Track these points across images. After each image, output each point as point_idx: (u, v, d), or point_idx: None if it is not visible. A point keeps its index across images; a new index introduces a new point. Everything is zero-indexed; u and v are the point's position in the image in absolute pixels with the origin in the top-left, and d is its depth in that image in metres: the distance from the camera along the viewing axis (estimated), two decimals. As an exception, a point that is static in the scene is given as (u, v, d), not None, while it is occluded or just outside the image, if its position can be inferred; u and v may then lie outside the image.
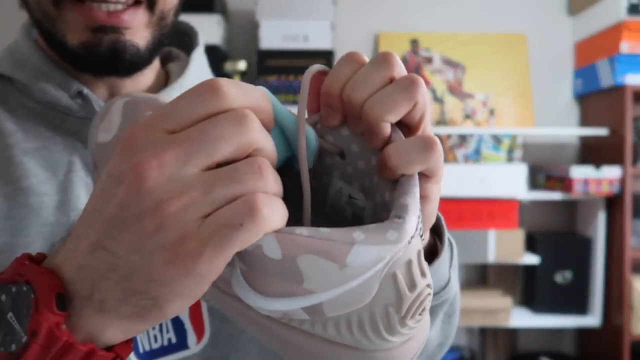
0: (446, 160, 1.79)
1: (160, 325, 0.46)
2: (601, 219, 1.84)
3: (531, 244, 1.92)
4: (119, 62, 0.46)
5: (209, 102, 0.26)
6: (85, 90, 0.48)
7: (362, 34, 2.04)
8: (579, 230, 2.00)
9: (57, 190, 0.46)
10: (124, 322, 0.27)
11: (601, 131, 1.83)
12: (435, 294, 0.43)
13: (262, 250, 0.28)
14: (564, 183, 1.82)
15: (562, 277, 1.89)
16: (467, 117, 1.92)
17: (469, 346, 2.03)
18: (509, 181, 1.78)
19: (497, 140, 1.83)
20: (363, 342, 0.31)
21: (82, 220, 0.28)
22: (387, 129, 0.31)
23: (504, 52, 2.01)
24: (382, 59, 0.31)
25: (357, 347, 0.31)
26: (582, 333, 2.02)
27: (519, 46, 2.02)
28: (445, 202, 1.78)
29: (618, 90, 1.79)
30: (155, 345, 0.46)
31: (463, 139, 1.82)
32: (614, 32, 1.80)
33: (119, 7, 0.44)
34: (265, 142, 0.27)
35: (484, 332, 2.03)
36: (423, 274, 0.31)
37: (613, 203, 1.82)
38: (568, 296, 1.88)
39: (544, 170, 1.96)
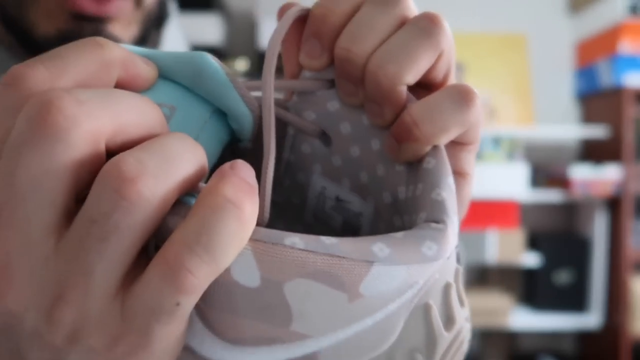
0: (446, 160, 1.79)
1: None
2: (601, 219, 1.84)
3: (531, 244, 1.92)
4: None
5: (5, 107, 0.17)
6: None
7: (362, 34, 2.04)
8: (579, 231, 2.00)
9: None
10: None
11: (601, 131, 1.83)
12: None
13: (230, 274, 0.18)
14: (564, 183, 1.82)
15: (562, 277, 1.89)
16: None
17: (469, 346, 2.03)
18: (509, 181, 1.78)
19: (497, 140, 1.83)
20: None
21: None
22: (403, 93, 0.22)
23: (504, 52, 2.01)
24: None
25: None
26: (582, 333, 2.02)
27: (519, 46, 2.02)
28: (445, 202, 1.77)
29: (618, 90, 1.79)
30: None
31: (463, 139, 1.81)
32: (614, 32, 1.80)
33: None
34: (117, 114, 0.17)
35: (484, 332, 2.03)
36: (462, 303, 0.22)
37: (613, 203, 1.82)
38: (568, 296, 1.88)
39: (544, 170, 1.96)
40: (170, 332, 0.17)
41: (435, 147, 0.22)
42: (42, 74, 0.17)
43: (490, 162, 1.81)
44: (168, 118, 0.20)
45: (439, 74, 0.23)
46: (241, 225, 0.17)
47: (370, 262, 0.18)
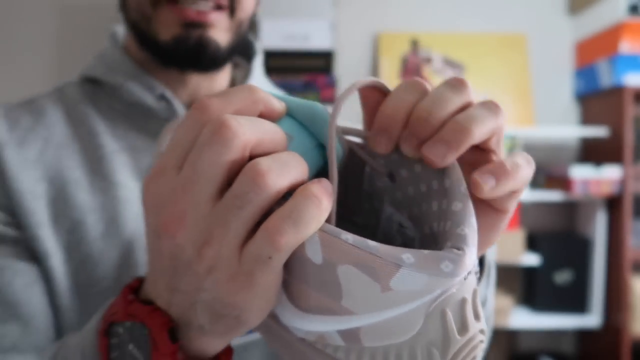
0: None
1: None
2: (601, 219, 1.84)
3: (531, 244, 1.92)
4: (202, 55, 0.52)
5: (196, 122, 0.27)
6: (168, 93, 0.55)
7: (362, 34, 2.04)
8: (579, 231, 2.00)
9: (140, 185, 0.51)
10: (222, 337, 0.30)
11: (601, 131, 1.83)
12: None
13: (305, 250, 0.26)
14: (564, 183, 1.82)
15: (562, 277, 1.89)
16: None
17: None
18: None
19: (497, 140, 1.82)
20: None
21: (150, 267, 0.31)
22: (468, 147, 0.29)
23: (504, 52, 2.01)
24: (458, 83, 0.30)
25: None
26: (582, 333, 2.02)
27: (519, 46, 2.02)
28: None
29: (618, 90, 1.79)
30: None
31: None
32: (614, 32, 1.80)
33: (207, 7, 0.51)
34: (260, 134, 0.27)
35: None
36: (477, 317, 0.27)
37: (613, 203, 1.82)
38: (568, 296, 1.88)
39: (544, 170, 1.96)
40: (266, 279, 0.26)
41: (464, 195, 0.29)
42: (217, 104, 0.28)
43: (490, 162, 1.81)
44: (288, 143, 0.30)
45: (494, 141, 0.31)
46: (319, 212, 0.25)
47: (399, 265, 0.25)
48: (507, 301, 1.83)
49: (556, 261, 1.88)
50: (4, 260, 0.45)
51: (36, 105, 0.54)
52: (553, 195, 1.84)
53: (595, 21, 1.91)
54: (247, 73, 0.62)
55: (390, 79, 1.98)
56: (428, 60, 2.00)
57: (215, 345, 0.31)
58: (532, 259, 1.85)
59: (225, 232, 0.26)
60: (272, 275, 0.27)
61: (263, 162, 0.25)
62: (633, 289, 1.77)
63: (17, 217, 0.47)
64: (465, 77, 2.00)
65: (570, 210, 2.04)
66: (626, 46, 1.76)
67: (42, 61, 2.03)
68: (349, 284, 0.26)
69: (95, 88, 0.57)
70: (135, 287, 0.33)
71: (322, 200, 0.26)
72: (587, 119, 2.02)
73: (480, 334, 0.27)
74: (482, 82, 1.99)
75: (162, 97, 0.55)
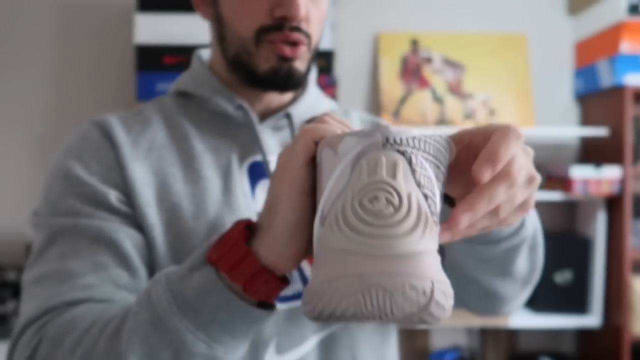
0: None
1: (291, 277, 0.64)
2: (601, 219, 1.84)
3: (531, 244, 1.92)
4: (290, 82, 0.67)
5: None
6: (245, 104, 0.69)
7: (362, 34, 2.04)
8: (579, 230, 2.00)
9: (222, 179, 0.65)
10: (268, 232, 0.46)
11: (601, 131, 1.83)
12: (512, 235, 0.55)
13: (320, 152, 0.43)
14: (564, 183, 1.82)
15: (562, 277, 1.89)
16: (467, 117, 1.92)
17: (469, 346, 2.03)
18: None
19: (497, 140, 1.82)
20: (346, 235, 0.36)
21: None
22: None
23: (504, 52, 2.01)
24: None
25: (350, 249, 0.36)
26: (582, 333, 2.02)
27: (519, 46, 2.02)
28: (445, 202, 1.77)
29: (618, 90, 1.79)
30: (287, 293, 0.63)
31: (463, 139, 1.82)
32: (614, 32, 1.80)
33: (295, 45, 0.65)
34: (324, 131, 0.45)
35: (484, 332, 2.03)
36: (393, 176, 0.37)
37: (613, 203, 1.82)
38: (568, 296, 1.88)
39: (544, 170, 1.96)
40: (290, 173, 0.45)
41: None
42: (329, 122, 0.45)
43: (490, 162, 1.81)
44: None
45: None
46: (324, 126, 0.45)
47: (344, 136, 0.39)
48: (507, 301, 1.82)
49: (556, 261, 1.88)
50: (119, 225, 0.60)
51: (143, 116, 0.69)
52: (553, 195, 1.84)
53: (595, 21, 1.91)
54: (304, 87, 0.76)
55: (390, 79, 1.98)
56: (428, 60, 2.00)
57: (266, 251, 0.45)
58: (532, 259, 1.85)
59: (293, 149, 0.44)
60: (295, 170, 0.43)
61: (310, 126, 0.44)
62: (633, 289, 1.77)
63: (130, 199, 0.62)
64: (465, 77, 2.00)
65: (570, 210, 2.04)
66: (626, 46, 1.76)
67: (42, 61, 2.03)
68: (326, 162, 0.39)
69: (186, 100, 0.72)
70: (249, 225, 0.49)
71: (329, 121, 0.45)
72: (587, 119, 2.02)
73: (411, 194, 0.37)
74: (482, 82, 1.99)
75: (240, 107, 0.68)
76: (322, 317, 0.36)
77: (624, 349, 1.75)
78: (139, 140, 0.66)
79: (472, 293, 0.67)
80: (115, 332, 0.47)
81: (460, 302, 0.72)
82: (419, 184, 0.37)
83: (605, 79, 1.83)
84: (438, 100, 1.97)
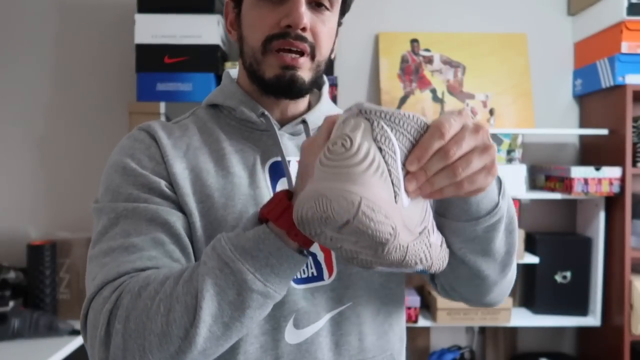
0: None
1: (307, 264, 0.72)
2: (601, 219, 1.84)
3: (531, 244, 1.92)
4: (293, 88, 0.76)
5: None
6: (266, 112, 0.79)
7: (362, 34, 2.04)
8: (579, 230, 2.00)
9: (248, 176, 0.75)
10: None
11: (601, 131, 1.83)
12: (488, 213, 0.65)
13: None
14: (564, 183, 1.82)
15: (562, 277, 1.89)
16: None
17: (469, 346, 2.03)
18: (509, 181, 1.78)
19: (497, 140, 1.83)
20: (318, 168, 0.52)
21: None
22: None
23: (504, 52, 2.01)
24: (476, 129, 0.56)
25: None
26: (582, 333, 2.02)
27: (519, 46, 2.02)
28: (445, 202, 1.78)
29: (618, 90, 1.79)
30: (303, 276, 0.73)
31: (463, 139, 1.82)
32: (614, 32, 1.80)
33: (297, 55, 0.74)
34: None
35: (484, 332, 2.03)
36: (353, 131, 0.51)
37: (613, 203, 1.82)
38: (568, 296, 1.88)
39: (544, 170, 1.96)
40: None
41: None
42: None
43: (490, 162, 1.81)
44: None
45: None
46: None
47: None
48: (507, 301, 1.83)
49: (556, 261, 1.88)
50: (170, 209, 0.71)
51: (180, 124, 0.81)
52: (553, 195, 1.84)
53: (595, 21, 1.91)
54: (318, 98, 0.87)
55: (390, 79, 1.98)
56: (428, 60, 2.00)
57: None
58: (532, 259, 1.85)
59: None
60: (320, 144, 0.56)
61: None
62: (633, 289, 1.77)
63: (174, 188, 0.73)
64: (465, 77, 2.00)
65: (570, 210, 2.04)
66: (626, 46, 1.76)
67: (42, 61, 2.03)
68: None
69: (217, 111, 0.83)
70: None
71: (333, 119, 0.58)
72: (587, 119, 2.02)
73: (369, 147, 0.51)
74: (482, 82, 1.99)
75: (262, 115, 0.78)
76: (298, 221, 0.52)
77: (624, 349, 1.75)
78: (178, 142, 0.77)
79: (460, 275, 0.74)
80: (189, 278, 0.60)
81: (452, 290, 0.80)
82: (375, 139, 0.51)
83: (605, 79, 1.83)
84: (438, 100, 1.97)
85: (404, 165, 0.52)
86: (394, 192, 0.51)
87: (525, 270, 1.97)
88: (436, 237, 0.59)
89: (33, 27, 2.02)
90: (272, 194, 0.75)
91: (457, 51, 2.00)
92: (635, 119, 1.82)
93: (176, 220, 0.70)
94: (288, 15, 0.72)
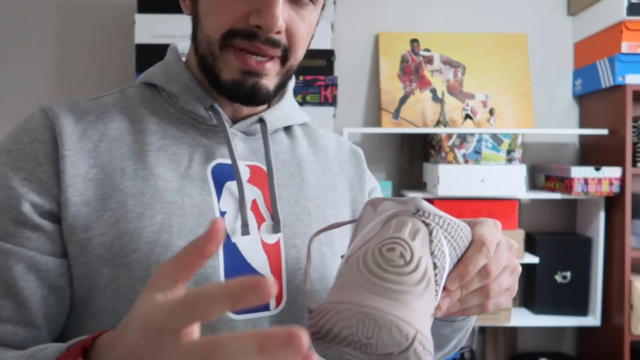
0: (446, 160, 1.79)
1: None
2: (601, 219, 1.84)
3: (531, 244, 1.92)
4: (254, 98, 0.62)
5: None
6: (216, 105, 0.64)
7: (362, 34, 2.04)
8: (579, 230, 2.00)
9: (178, 179, 0.60)
10: None
11: (601, 131, 1.83)
12: (465, 317, 0.60)
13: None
14: (564, 183, 1.82)
15: (562, 277, 1.89)
16: (467, 117, 1.92)
17: (469, 346, 2.03)
18: (509, 181, 1.78)
19: (497, 140, 1.83)
20: (361, 272, 0.42)
21: (128, 346, 0.37)
22: None
23: (504, 52, 2.01)
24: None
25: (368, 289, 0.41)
26: (582, 333, 2.02)
27: (519, 46, 2.02)
28: (445, 201, 1.78)
29: (618, 90, 1.79)
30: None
31: (463, 139, 1.82)
32: (614, 32, 1.80)
33: (265, 59, 0.59)
34: None
35: (484, 332, 2.03)
36: (413, 238, 0.44)
37: (613, 203, 1.82)
38: (568, 296, 1.88)
39: (544, 170, 1.96)
40: None
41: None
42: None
43: (490, 162, 1.81)
44: None
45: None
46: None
47: (385, 198, 0.48)
48: (507, 301, 1.82)
49: (556, 261, 1.88)
50: (17, 247, 0.55)
51: (99, 103, 0.65)
52: (553, 195, 1.84)
53: (595, 21, 1.91)
54: (281, 94, 0.72)
55: (390, 79, 1.98)
56: (428, 60, 2.00)
57: None
58: (531, 259, 1.85)
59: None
60: None
61: None
62: (633, 289, 1.77)
63: (60, 197, 0.57)
64: (465, 77, 2.00)
65: (570, 210, 2.04)
66: (626, 46, 1.76)
67: (42, 61, 2.03)
68: (363, 215, 0.49)
69: (153, 93, 0.67)
70: (87, 346, 0.40)
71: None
72: (587, 119, 2.02)
73: (422, 259, 0.43)
74: (482, 82, 1.99)
75: (211, 108, 0.64)
76: (321, 332, 0.42)
77: (624, 349, 1.75)
78: (88, 131, 0.61)
79: None
80: None
81: None
82: (432, 253, 0.44)
83: (605, 79, 1.83)
84: (438, 100, 1.97)
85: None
86: (433, 311, 0.45)
87: (525, 270, 1.97)
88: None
89: (33, 27, 2.02)
90: (215, 203, 0.61)
91: (457, 51, 2.00)
92: (635, 119, 1.82)
93: (16, 262, 0.55)
94: (260, 13, 0.57)
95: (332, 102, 1.84)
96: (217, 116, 0.64)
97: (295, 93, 1.82)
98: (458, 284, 0.47)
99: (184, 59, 0.70)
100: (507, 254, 0.50)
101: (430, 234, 0.44)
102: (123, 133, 0.62)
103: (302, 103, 1.84)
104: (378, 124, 2.01)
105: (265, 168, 0.65)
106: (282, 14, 0.58)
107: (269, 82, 0.61)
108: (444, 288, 0.46)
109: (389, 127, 1.93)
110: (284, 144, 0.70)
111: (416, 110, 1.96)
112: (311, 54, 1.84)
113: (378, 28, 2.04)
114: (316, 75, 1.84)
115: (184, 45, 0.72)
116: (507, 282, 0.50)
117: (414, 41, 2.00)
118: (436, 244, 0.44)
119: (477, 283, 0.48)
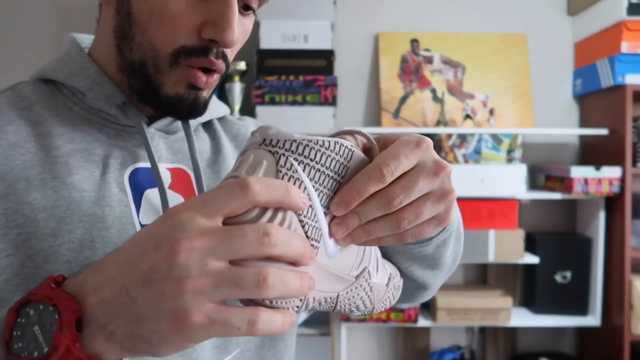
0: (446, 160, 1.80)
1: None
2: (601, 219, 1.84)
3: (531, 244, 1.92)
4: (193, 112, 0.57)
5: (237, 198, 0.35)
6: (129, 103, 0.57)
7: (362, 34, 2.04)
8: (579, 230, 2.00)
9: (94, 188, 0.53)
10: (124, 351, 0.36)
11: (601, 131, 1.83)
12: (440, 232, 0.55)
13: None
14: (564, 183, 1.82)
15: (562, 277, 1.89)
16: (467, 117, 1.92)
17: (469, 346, 2.03)
18: (509, 181, 1.78)
19: (497, 140, 1.83)
20: None
21: (116, 262, 0.37)
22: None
23: (504, 52, 2.01)
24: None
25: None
26: (582, 333, 2.02)
27: (519, 46, 2.02)
28: (445, 202, 1.78)
29: (618, 90, 1.79)
30: None
31: (463, 139, 1.82)
32: (614, 32, 1.80)
33: (211, 73, 0.55)
34: (286, 251, 0.36)
35: (484, 332, 2.03)
36: (252, 173, 0.39)
37: (613, 203, 1.82)
38: (568, 296, 1.88)
39: (544, 170, 1.96)
40: (213, 335, 0.36)
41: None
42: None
43: (490, 162, 1.82)
44: None
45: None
46: None
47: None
48: (507, 301, 1.83)
49: (556, 261, 1.88)
50: None
51: None
52: (553, 195, 1.84)
53: (595, 21, 1.91)
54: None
55: (390, 79, 1.98)
56: (428, 60, 2.00)
57: (113, 354, 0.37)
58: (531, 259, 1.85)
59: (214, 288, 0.34)
60: (217, 335, 0.35)
61: None
62: (633, 289, 1.77)
63: None
64: (465, 77, 2.00)
65: (570, 210, 2.04)
66: (626, 46, 1.76)
67: (42, 61, 2.03)
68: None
69: (52, 90, 0.58)
70: (59, 281, 0.39)
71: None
72: (587, 119, 2.02)
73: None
74: (482, 82, 1.99)
75: (124, 105, 0.57)
76: None
77: (624, 349, 1.75)
78: None
79: (405, 289, 0.62)
80: None
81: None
82: None
83: (605, 79, 1.83)
84: (438, 100, 1.97)
85: (327, 208, 0.41)
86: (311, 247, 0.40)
87: (525, 270, 1.97)
88: (381, 276, 0.50)
89: (33, 27, 2.02)
90: (134, 215, 0.54)
91: (457, 51, 2.00)
92: (635, 119, 1.82)
93: None
94: (216, 26, 0.52)
95: (332, 102, 1.84)
96: (132, 114, 0.57)
97: (296, 93, 1.82)
98: (344, 210, 0.41)
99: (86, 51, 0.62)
100: (428, 179, 0.42)
101: (277, 162, 0.39)
102: (23, 137, 0.53)
103: (302, 103, 1.84)
104: (378, 124, 2.01)
105: (187, 170, 0.60)
106: (237, 28, 0.54)
107: (207, 94, 0.57)
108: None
109: (389, 127, 1.93)
110: (206, 141, 0.64)
111: (416, 110, 1.96)
112: (311, 54, 1.85)
113: (378, 28, 2.04)
114: (316, 75, 1.84)
115: (85, 38, 0.63)
116: (428, 211, 0.43)
117: (414, 41, 2.00)
118: (285, 172, 0.39)
119: (377, 211, 0.41)
